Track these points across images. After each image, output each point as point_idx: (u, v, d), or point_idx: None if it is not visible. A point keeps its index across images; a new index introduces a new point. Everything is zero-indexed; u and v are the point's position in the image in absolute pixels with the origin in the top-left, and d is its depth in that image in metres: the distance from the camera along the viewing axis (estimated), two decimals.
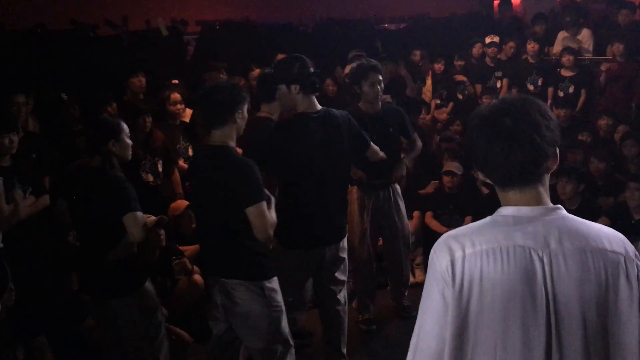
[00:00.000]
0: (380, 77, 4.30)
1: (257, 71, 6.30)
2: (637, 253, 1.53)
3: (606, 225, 5.15)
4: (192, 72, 6.83)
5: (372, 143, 3.81)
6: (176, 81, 6.07)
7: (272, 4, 12.24)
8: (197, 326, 4.40)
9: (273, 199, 3.08)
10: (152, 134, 4.97)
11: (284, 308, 3.19)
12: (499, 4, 9.38)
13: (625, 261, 1.48)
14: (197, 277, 4.51)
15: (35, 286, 3.82)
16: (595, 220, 1.49)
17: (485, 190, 5.48)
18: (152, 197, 4.65)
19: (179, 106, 5.34)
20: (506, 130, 1.48)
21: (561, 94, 7.14)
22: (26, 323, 3.56)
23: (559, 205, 1.54)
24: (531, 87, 7.36)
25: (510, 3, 9.53)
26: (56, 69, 6.48)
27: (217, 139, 3.05)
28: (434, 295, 1.51)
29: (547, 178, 1.55)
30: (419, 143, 4.62)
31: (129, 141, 3.32)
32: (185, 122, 5.56)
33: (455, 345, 1.47)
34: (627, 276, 1.48)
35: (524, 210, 1.51)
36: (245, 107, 3.12)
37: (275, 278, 3.16)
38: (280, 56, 6.69)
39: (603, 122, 6.32)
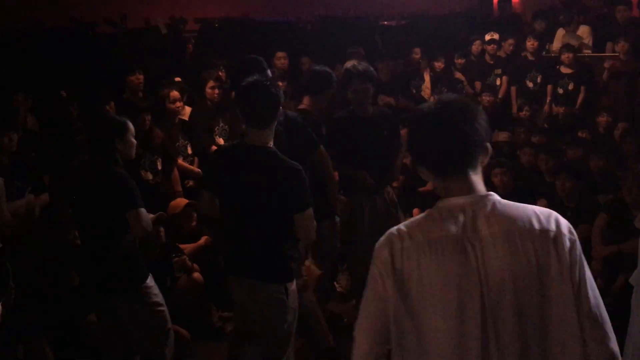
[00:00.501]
0: (367, 85, 4.21)
1: None
2: (572, 229, 1.58)
3: (605, 222, 5.13)
4: (192, 70, 6.81)
5: (322, 147, 3.86)
6: (179, 79, 6.05)
7: (271, 1, 12.22)
8: (196, 324, 4.40)
9: None
10: (151, 132, 4.97)
11: (297, 310, 3.22)
12: (499, 1, 9.38)
13: (555, 236, 1.55)
14: (197, 275, 4.51)
15: (35, 284, 3.83)
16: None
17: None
18: (151, 195, 4.65)
19: (178, 104, 5.33)
20: (444, 123, 1.60)
21: (560, 91, 7.14)
22: (26, 321, 3.56)
23: (492, 192, 1.62)
24: (530, 85, 7.36)
25: (510, 0, 9.54)
26: (55, 67, 6.48)
27: (257, 139, 3.00)
28: (376, 284, 1.62)
29: (480, 170, 1.63)
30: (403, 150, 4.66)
31: (134, 140, 3.32)
32: (184, 120, 5.56)
33: (400, 330, 1.58)
34: (557, 251, 1.54)
35: (457, 201, 1.60)
36: None
37: (295, 280, 3.18)
38: (279, 53, 6.70)
39: (603, 119, 6.32)
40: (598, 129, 6.33)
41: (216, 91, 5.62)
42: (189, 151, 5.45)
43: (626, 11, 7.30)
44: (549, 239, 1.54)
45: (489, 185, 5.40)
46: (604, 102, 6.87)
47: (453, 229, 1.56)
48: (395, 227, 1.65)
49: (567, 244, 1.55)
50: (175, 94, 5.31)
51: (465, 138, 1.58)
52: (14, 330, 3.41)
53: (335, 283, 5.04)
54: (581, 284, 1.54)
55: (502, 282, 1.52)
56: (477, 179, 1.62)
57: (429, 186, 5.96)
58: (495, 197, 1.61)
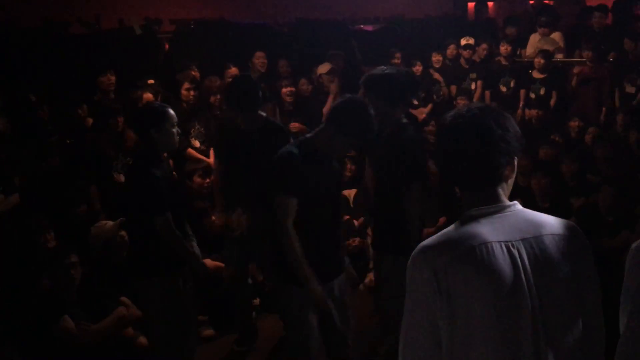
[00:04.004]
0: None
1: (233, 69, 6.24)
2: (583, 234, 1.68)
3: None
4: (167, 72, 6.75)
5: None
6: (152, 81, 5.99)
7: (247, 3, 12.18)
8: None
9: None
10: (124, 134, 4.92)
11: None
12: (476, 5, 9.47)
13: (583, 244, 1.64)
14: None
15: (5, 288, 3.75)
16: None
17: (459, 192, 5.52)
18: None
19: None
20: (464, 145, 1.60)
21: (533, 95, 7.23)
22: None
23: (515, 202, 1.65)
24: (504, 89, 7.44)
25: (486, 5, 9.64)
26: (27, 67, 6.36)
27: None
28: (420, 304, 1.56)
29: (504, 184, 1.65)
30: None
31: (174, 130, 3.30)
32: None
33: (451, 344, 1.54)
34: (587, 257, 1.64)
35: (486, 210, 1.61)
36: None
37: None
38: (258, 53, 6.67)
39: (574, 123, 6.42)
40: (570, 133, 6.43)
41: (192, 93, 5.58)
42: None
43: (602, 18, 7.44)
44: (577, 243, 1.62)
45: None
46: (574, 107, 6.99)
47: (491, 236, 1.55)
48: (425, 244, 1.59)
49: (588, 246, 1.65)
50: (148, 96, 5.27)
51: (484, 162, 1.60)
52: None
53: None
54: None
55: (549, 281, 1.57)
56: (502, 191, 1.64)
57: None
58: (519, 205, 1.65)
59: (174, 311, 3.36)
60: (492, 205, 1.61)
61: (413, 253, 1.60)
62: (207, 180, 5.16)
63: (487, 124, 1.59)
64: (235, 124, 4.03)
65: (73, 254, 3.89)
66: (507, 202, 1.64)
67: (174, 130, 3.30)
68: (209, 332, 4.59)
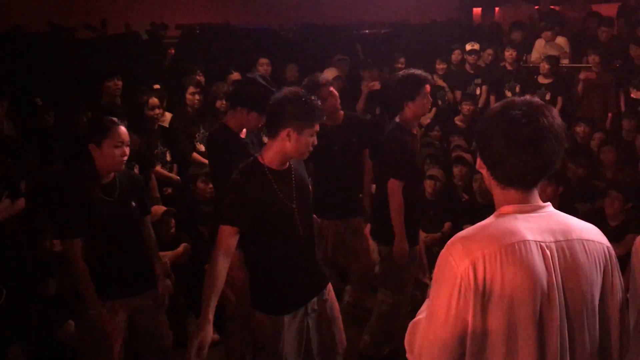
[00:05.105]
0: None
1: (236, 74, 6.25)
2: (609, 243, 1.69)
3: None
4: (172, 76, 6.78)
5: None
6: (158, 86, 6.01)
7: (252, 8, 12.23)
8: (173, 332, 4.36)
9: None
10: None
11: None
12: (482, 11, 9.48)
13: (607, 249, 1.64)
14: (168, 283, 4.47)
15: (11, 292, 3.76)
16: None
17: (464, 197, 5.52)
18: None
19: (157, 111, 5.30)
20: (531, 138, 1.56)
21: None
22: (0, 332, 3.49)
23: (548, 203, 1.66)
24: (509, 94, 7.42)
25: (492, 10, 9.64)
26: (33, 72, 6.40)
27: None
28: (450, 297, 1.55)
29: (539, 185, 1.67)
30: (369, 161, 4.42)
31: (116, 151, 2.95)
32: (164, 126, 5.52)
33: (478, 338, 1.54)
34: (611, 261, 1.64)
35: (523, 207, 1.61)
36: None
37: None
38: (262, 60, 6.68)
39: (580, 129, 6.41)
40: (576, 139, 6.41)
41: (197, 97, 5.60)
42: (168, 158, 5.41)
43: (609, 32, 7.44)
44: (604, 250, 1.63)
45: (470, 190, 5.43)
46: (580, 113, 6.97)
47: (528, 234, 1.56)
48: (464, 235, 1.59)
49: (614, 256, 1.65)
50: (154, 100, 5.28)
51: (549, 160, 1.59)
52: None
53: None
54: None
55: (576, 284, 1.57)
56: (536, 191, 1.65)
57: None
58: (552, 207, 1.65)
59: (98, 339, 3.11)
60: (528, 204, 1.62)
61: (449, 244, 1.60)
62: (210, 185, 5.16)
63: (552, 122, 1.59)
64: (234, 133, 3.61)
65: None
66: (542, 203, 1.65)
67: (117, 151, 2.94)
68: (213, 337, 4.57)
